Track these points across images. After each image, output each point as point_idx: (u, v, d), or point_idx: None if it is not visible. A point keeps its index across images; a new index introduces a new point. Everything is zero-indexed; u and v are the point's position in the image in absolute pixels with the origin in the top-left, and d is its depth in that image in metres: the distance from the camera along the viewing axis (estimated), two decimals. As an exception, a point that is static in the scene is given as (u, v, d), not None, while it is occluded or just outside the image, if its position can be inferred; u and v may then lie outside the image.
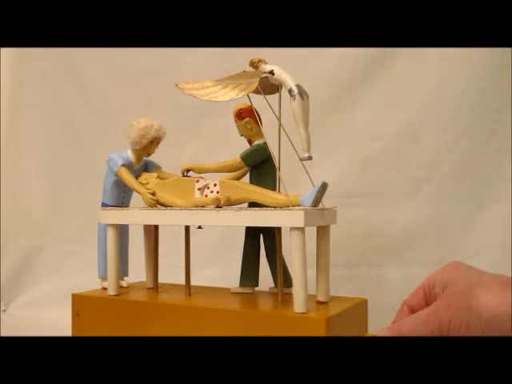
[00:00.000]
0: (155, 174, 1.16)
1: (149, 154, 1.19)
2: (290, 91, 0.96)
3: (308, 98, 0.97)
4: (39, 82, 1.86)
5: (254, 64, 1.02)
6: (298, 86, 0.96)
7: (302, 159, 0.97)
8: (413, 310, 0.58)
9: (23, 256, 1.87)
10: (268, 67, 1.00)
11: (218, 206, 1.01)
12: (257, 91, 1.01)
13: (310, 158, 0.97)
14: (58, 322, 1.38)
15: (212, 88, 1.01)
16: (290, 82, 0.97)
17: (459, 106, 1.38)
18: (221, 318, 0.97)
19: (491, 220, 1.37)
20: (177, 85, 1.03)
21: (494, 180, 1.36)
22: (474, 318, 0.48)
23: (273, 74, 0.99)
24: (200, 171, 1.10)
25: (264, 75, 1.00)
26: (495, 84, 1.34)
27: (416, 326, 0.53)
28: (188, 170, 1.10)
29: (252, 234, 1.11)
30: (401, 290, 1.40)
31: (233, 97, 0.98)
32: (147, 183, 1.13)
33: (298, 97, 0.95)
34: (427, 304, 0.56)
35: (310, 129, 0.97)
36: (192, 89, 1.02)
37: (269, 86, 1.03)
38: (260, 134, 1.06)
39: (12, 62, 1.87)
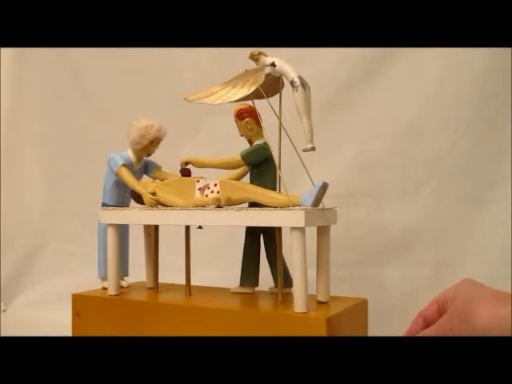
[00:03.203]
0: (150, 179, 1.17)
1: (149, 154, 1.19)
2: (292, 82, 0.96)
3: (310, 89, 0.97)
4: (39, 82, 1.86)
5: (255, 57, 1.02)
6: (300, 78, 0.96)
7: (305, 150, 0.97)
8: (427, 322, 0.61)
9: (23, 256, 1.87)
10: (269, 59, 1.00)
11: (219, 206, 1.01)
12: (260, 95, 1.01)
13: (313, 148, 0.96)
14: (57, 322, 1.38)
15: (221, 91, 1.01)
16: (291, 73, 0.97)
17: (459, 105, 1.38)
18: (221, 318, 0.97)
19: (491, 220, 1.36)
20: (185, 98, 1.03)
21: (494, 180, 1.36)
22: (470, 329, 0.52)
23: (274, 65, 0.99)
24: (199, 165, 1.09)
25: (266, 68, 1.00)
26: (495, 84, 1.34)
27: (427, 335, 0.56)
28: (187, 163, 1.10)
29: (252, 233, 1.11)
30: (401, 290, 1.41)
31: (245, 93, 0.98)
32: (145, 188, 1.13)
33: (300, 88, 0.95)
34: (440, 316, 0.59)
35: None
36: (202, 97, 1.02)
37: (270, 87, 1.03)
38: (260, 134, 1.05)
39: (12, 62, 1.87)
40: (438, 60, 1.38)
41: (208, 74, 1.51)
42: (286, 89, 1.02)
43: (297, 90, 0.95)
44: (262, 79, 0.98)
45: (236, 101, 1.00)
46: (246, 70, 1.02)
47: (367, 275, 1.44)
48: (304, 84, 0.96)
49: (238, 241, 1.12)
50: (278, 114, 1.04)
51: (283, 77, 1.01)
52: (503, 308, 0.50)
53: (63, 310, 1.33)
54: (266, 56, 1.01)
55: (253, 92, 0.98)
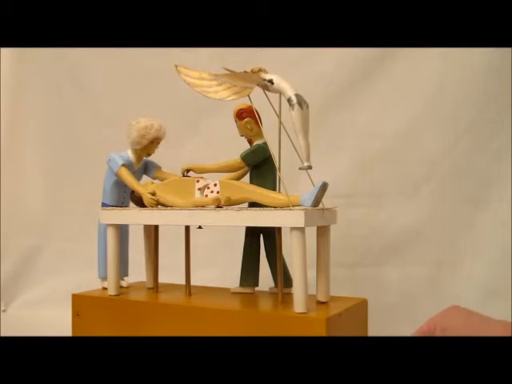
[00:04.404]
0: (150, 181, 1.17)
1: (149, 154, 1.19)
2: (289, 100, 0.96)
3: (308, 107, 0.96)
4: (39, 82, 1.86)
5: (255, 73, 1.02)
6: (297, 96, 0.95)
7: (301, 168, 0.97)
8: None
9: (23, 256, 1.87)
10: (268, 76, 1.00)
11: (219, 206, 1.01)
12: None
13: (309, 167, 0.96)
14: (58, 322, 1.38)
15: (207, 82, 1.00)
16: (289, 91, 0.96)
17: (459, 106, 1.38)
18: (221, 318, 0.97)
19: (491, 220, 1.37)
20: (176, 66, 1.02)
21: (494, 180, 1.36)
22: None
23: (272, 83, 0.99)
24: (200, 171, 1.10)
25: (263, 82, 0.99)
26: (495, 84, 1.34)
27: None
28: (188, 170, 1.10)
29: (252, 234, 1.11)
30: (401, 290, 1.41)
31: (223, 97, 0.98)
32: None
33: (296, 106, 0.94)
34: None
35: (311, 128, 0.97)
36: (188, 75, 1.01)
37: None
38: (260, 134, 1.05)
39: (12, 62, 1.87)
40: (437, 60, 1.39)
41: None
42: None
43: (293, 109, 0.94)
44: (246, 93, 0.97)
45: (210, 98, 1.00)
46: (245, 71, 1.02)
47: (367, 275, 1.44)
48: (301, 102, 0.95)
49: (238, 241, 1.12)
50: (278, 113, 1.04)
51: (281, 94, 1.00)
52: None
53: (63, 309, 1.33)
54: (266, 73, 1.01)
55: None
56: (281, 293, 1.03)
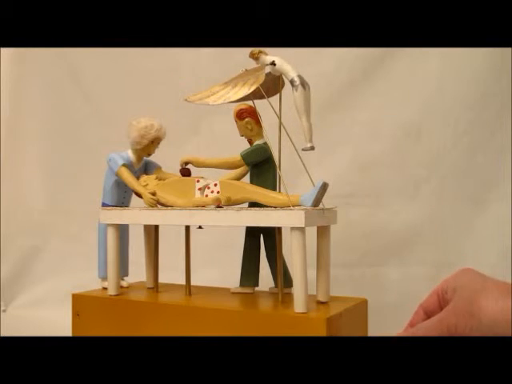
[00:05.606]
0: (154, 176, 1.16)
1: (149, 154, 1.19)
2: (291, 82, 0.97)
3: (309, 88, 0.97)
4: (39, 82, 1.86)
5: (255, 55, 1.02)
6: (300, 77, 0.97)
7: (304, 149, 0.97)
8: (427, 313, 0.60)
9: (23, 256, 1.87)
10: (269, 58, 1.00)
11: (219, 206, 1.01)
12: (261, 96, 1.01)
13: (312, 148, 0.97)
14: (58, 322, 1.38)
15: (222, 91, 1.01)
16: (291, 72, 0.97)
17: (459, 106, 1.38)
18: (221, 318, 0.97)
19: (491, 220, 1.36)
20: (186, 99, 1.03)
21: (494, 180, 1.36)
22: (475, 322, 0.50)
23: (274, 64, 0.99)
24: (199, 165, 1.09)
25: (266, 67, 1.00)
26: (495, 84, 1.34)
27: (428, 330, 0.55)
28: (187, 163, 1.10)
29: (252, 233, 1.11)
30: (401, 290, 1.41)
31: (245, 92, 0.98)
32: (146, 185, 1.13)
33: (300, 87, 0.95)
34: (441, 308, 0.58)
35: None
36: (202, 98, 1.02)
37: (271, 87, 1.03)
38: (260, 134, 1.06)
39: (12, 62, 1.87)
40: (437, 60, 1.38)
41: (208, 73, 1.51)
42: (286, 88, 1.02)
43: (296, 90, 0.96)
44: (262, 78, 0.98)
45: (236, 101, 1.00)
46: (246, 69, 1.02)
47: (367, 275, 1.44)
48: (304, 83, 0.96)
49: (238, 241, 1.12)
50: (278, 113, 1.04)
51: (283, 76, 1.01)
52: (509, 300, 0.49)
53: (63, 309, 1.33)
54: (267, 55, 1.02)
55: (253, 92, 0.98)
56: (281, 293, 1.03)
